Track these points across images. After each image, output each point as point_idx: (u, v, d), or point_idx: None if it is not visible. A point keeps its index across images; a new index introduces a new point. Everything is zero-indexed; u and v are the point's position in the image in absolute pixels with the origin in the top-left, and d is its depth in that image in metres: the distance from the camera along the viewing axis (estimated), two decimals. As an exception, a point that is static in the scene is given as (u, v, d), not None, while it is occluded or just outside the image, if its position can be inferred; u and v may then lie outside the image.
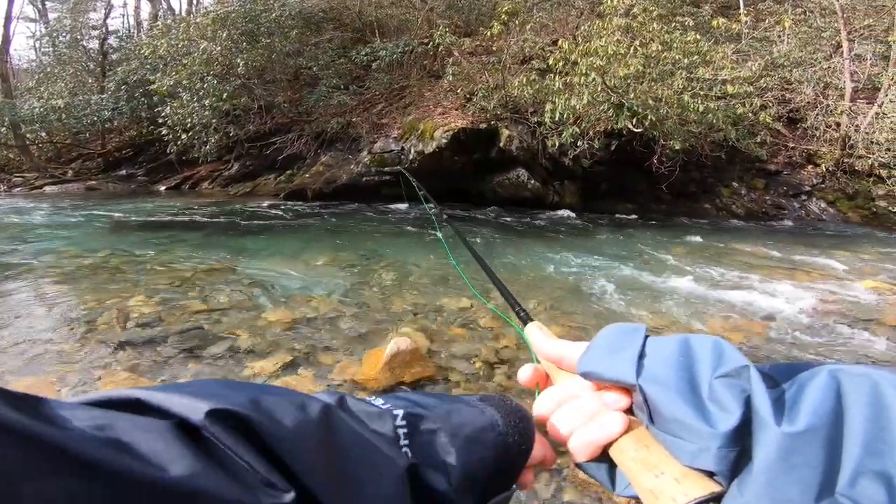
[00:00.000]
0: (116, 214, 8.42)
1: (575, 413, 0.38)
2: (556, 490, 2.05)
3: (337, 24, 13.34)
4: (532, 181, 9.51)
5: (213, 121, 10.61)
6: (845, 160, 9.24)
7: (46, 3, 21.39)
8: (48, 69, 14.84)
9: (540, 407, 0.42)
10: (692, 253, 6.16)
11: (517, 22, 9.48)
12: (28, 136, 13.71)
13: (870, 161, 8.87)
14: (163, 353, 3.10)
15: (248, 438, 0.27)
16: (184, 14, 17.51)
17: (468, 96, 9.91)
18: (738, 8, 11.33)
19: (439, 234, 1.59)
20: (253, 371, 2.90)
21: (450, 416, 0.38)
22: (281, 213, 8.92)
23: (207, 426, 0.26)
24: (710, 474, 0.31)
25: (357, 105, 11.37)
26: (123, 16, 23.26)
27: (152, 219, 8.16)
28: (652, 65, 7.70)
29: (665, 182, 8.91)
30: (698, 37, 7.84)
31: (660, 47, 7.52)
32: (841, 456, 0.28)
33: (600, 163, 9.09)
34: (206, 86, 10.33)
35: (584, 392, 0.40)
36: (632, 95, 7.67)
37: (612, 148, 8.94)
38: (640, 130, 7.82)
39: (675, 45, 7.68)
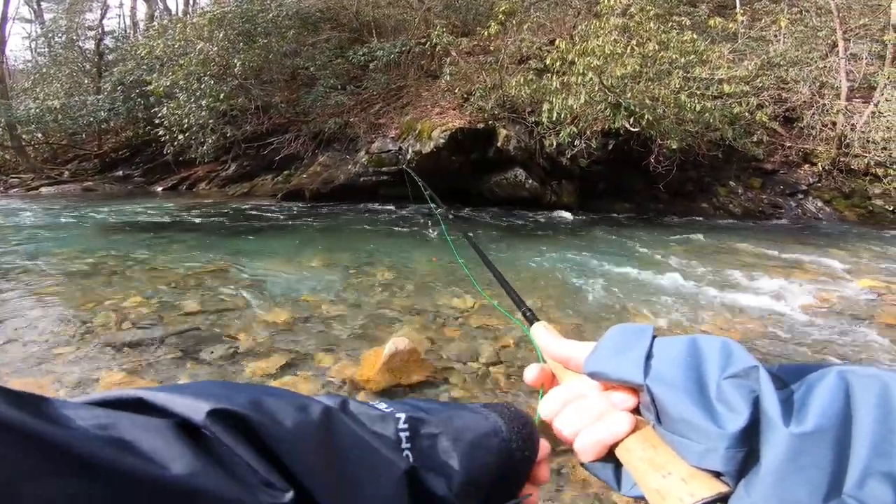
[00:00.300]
0: (113, 216, 8.39)
1: (581, 413, 0.38)
2: (556, 489, 2.06)
3: (334, 24, 13.33)
4: (530, 181, 9.52)
5: (210, 121, 10.58)
6: (841, 159, 9.28)
7: (42, 3, 21.32)
8: (44, 70, 14.77)
9: (546, 407, 0.42)
10: (689, 252, 6.17)
11: (514, 22, 9.49)
12: (24, 137, 13.66)
13: (866, 160, 8.91)
14: (160, 354, 3.09)
15: (249, 438, 0.27)
16: (180, 14, 17.46)
17: (466, 96, 9.91)
18: (735, 7, 11.36)
19: (446, 234, 1.60)
20: (250, 372, 2.90)
21: (452, 420, 0.38)
22: (278, 213, 8.91)
23: (209, 426, 0.27)
24: (717, 474, 0.31)
25: (354, 105, 11.36)
26: (119, 16, 23.20)
27: (149, 220, 8.14)
28: (649, 64, 7.72)
29: (662, 181, 8.93)
30: (695, 36, 7.86)
31: (657, 47, 7.54)
32: (849, 457, 0.28)
33: (598, 162, 9.10)
34: (202, 86, 10.30)
35: (590, 392, 0.40)
36: (629, 95, 7.68)
37: (610, 147, 8.96)
38: (637, 130, 7.84)
39: (671, 44, 7.70)
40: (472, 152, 9.53)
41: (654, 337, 0.37)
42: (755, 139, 9.18)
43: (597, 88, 7.66)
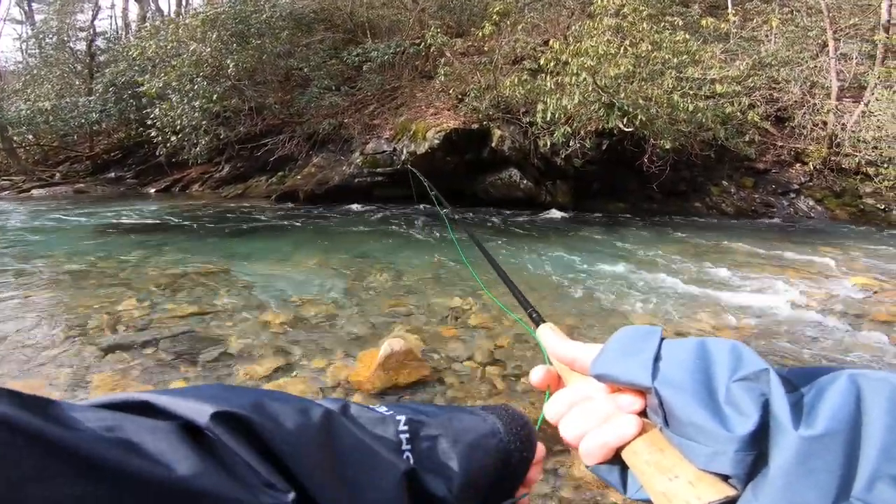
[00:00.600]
0: (105, 218, 8.33)
1: (588, 415, 0.38)
2: (553, 489, 2.06)
3: (328, 24, 13.30)
4: (524, 181, 9.54)
5: (203, 122, 10.53)
6: (832, 158, 9.37)
7: (33, 4, 21.13)
8: (35, 71, 14.62)
9: (552, 409, 0.41)
10: (683, 251, 6.21)
11: (508, 22, 9.50)
12: (15, 138, 13.52)
13: (856, 159, 8.99)
14: (154, 357, 3.07)
15: (251, 441, 0.28)
16: (172, 15, 17.37)
17: (460, 97, 9.92)
18: (727, 7, 11.45)
19: (452, 235, 1.60)
20: (246, 374, 2.88)
21: (451, 423, 0.39)
22: (272, 215, 8.88)
23: (212, 428, 0.27)
24: (725, 478, 0.31)
25: (349, 106, 11.33)
26: (111, 17, 23.00)
27: (141, 222, 8.09)
28: (642, 64, 7.75)
29: (656, 181, 8.98)
30: (687, 36, 7.91)
31: (650, 47, 7.58)
32: (858, 460, 0.28)
33: (592, 162, 9.13)
34: (195, 87, 10.24)
35: (597, 394, 0.39)
36: (622, 95, 7.71)
37: (604, 147, 8.99)
38: (630, 130, 7.87)
39: (664, 44, 7.74)
40: (467, 153, 9.53)
41: (661, 339, 0.37)
42: (747, 139, 9.25)
43: (590, 89, 7.69)
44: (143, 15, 17.76)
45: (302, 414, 0.31)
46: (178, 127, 10.49)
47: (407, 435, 0.36)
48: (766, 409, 0.30)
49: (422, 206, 9.20)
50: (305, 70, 11.81)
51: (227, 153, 11.61)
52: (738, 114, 8.61)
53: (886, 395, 0.29)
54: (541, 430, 0.45)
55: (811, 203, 9.50)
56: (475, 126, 9.33)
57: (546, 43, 9.30)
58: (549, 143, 8.50)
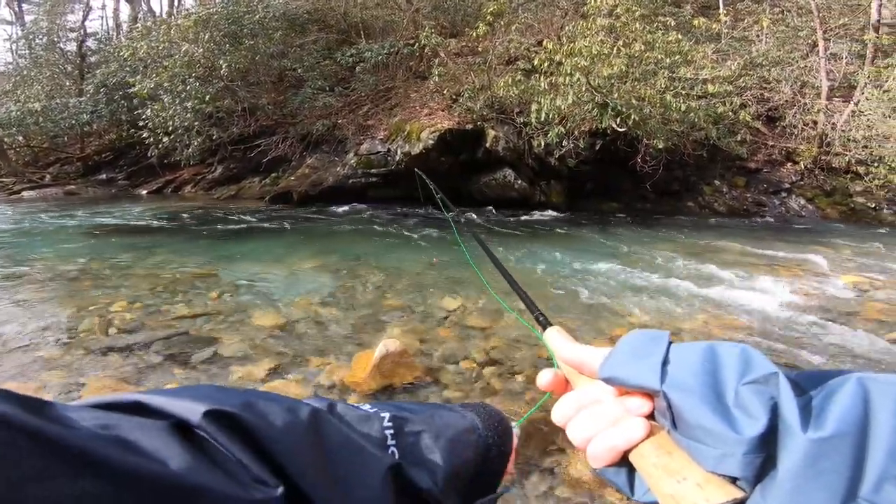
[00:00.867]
0: (97, 219, 8.26)
1: (596, 418, 0.39)
2: (549, 488, 2.06)
3: (322, 25, 13.26)
4: (519, 181, 9.55)
5: (196, 123, 10.47)
6: (823, 158, 9.46)
7: (23, 5, 20.93)
8: (25, 72, 14.49)
9: (559, 411, 0.42)
10: (676, 251, 6.24)
11: (502, 23, 9.53)
12: (5, 140, 13.38)
13: (847, 158, 9.09)
14: (147, 359, 3.05)
15: (242, 438, 0.29)
16: (164, 16, 17.25)
17: (454, 97, 9.92)
18: (718, 8, 11.53)
19: (458, 238, 1.61)
20: (240, 376, 2.87)
21: (434, 419, 0.40)
22: (266, 216, 8.84)
23: (204, 426, 0.28)
24: (733, 480, 0.32)
25: (343, 107, 11.31)
26: (102, 18, 22.83)
27: (134, 223, 8.02)
28: (635, 65, 7.79)
29: (649, 181, 9.02)
30: (680, 37, 7.96)
31: (642, 47, 7.62)
32: (866, 462, 0.28)
33: (585, 162, 9.17)
34: (188, 88, 10.18)
35: (605, 397, 0.40)
36: (615, 95, 7.75)
37: (597, 147, 9.03)
38: (623, 130, 7.91)
39: (657, 44, 7.78)
40: (461, 153, 9.54)
41: (670, 343, 0.37)
42: (739, 138, 9.32)
43: (584, 89, 7.72)
44: (134, 15, 17.64)
45: (290, 412, 0.32)
46: (170, 128, 10.42)
47: (391, 431, 0.37)
48: (774, 411, 0.31)
49: (420, 210, 9.20)
50: (299, 71, 11.77)
51: (220, 154, 11.55)
52: (730, 113, 8.68)
53: (894, 398, 0.29)
54: (526, 427, 0.46)
55: (802, 202, 9.58)
56: (469, 126, 9.34)
57: (540, 43, 9.32)
58: (543, 144, 8.53)
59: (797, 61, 10.29)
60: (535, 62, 8.13)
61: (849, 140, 9.09)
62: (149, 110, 10.47)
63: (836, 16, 10.67)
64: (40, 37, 14.82)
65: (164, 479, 0.24)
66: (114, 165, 13.75)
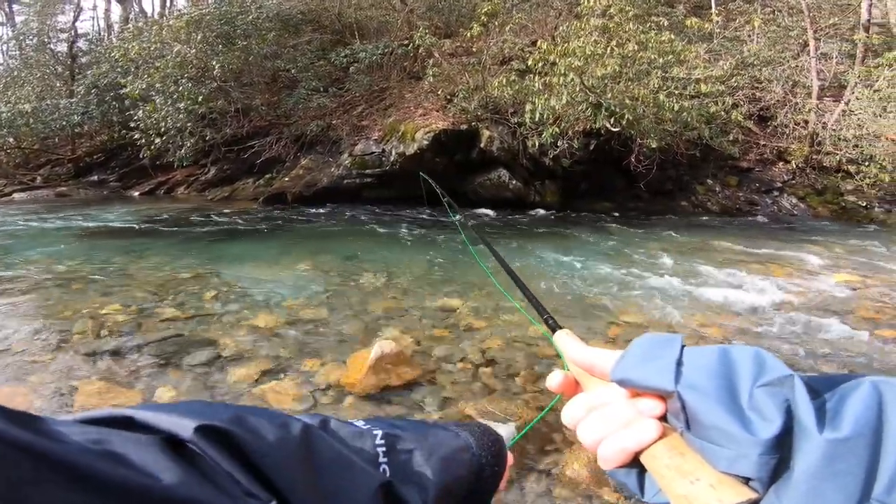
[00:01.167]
0: (88, 221, 8.18)
1: (607, 419, 0.39)
2: (546, 488, 2.06)
3: (316, 25, 13.21)
4: (513, 181, 9.57)
5: (189, 124, 10.40)
6: (814, 157, 9.54)
7: (14, 5, 20.73)
8: (15, 73, 14.35)
9: (570, 413, 0.42)
10: (669, 250, 6.27)
11: (497, 23, 9.53)
12: (-5, 141, 13.23)
13: (837, 157, 9.17)
14: (140, 362, 3.02)
15: (233, 453, 0.29)
16: (156, 17, 17.14)
17: (449, 97, 9.92)
18: (710, 7, 11.61)
19: (466, 241, 1.61)
20: (235, 378, 2.85)
21: (426, 437, 0.41)
22: (260, 217, 8.80)
23: (195, 441, 0.28)
24: (746, 480, 0.32)
25: (337, 107, 11.27)
26: (93, 19, 22.62)
27: (126, 225, 7.96)
28: (628, 65, 7.83)
29: (643, 180, 9.06)
30: (672, 37, 8.00)
31: (636, 47, 7.65)
32: (879, 463, 0.29)
33: (580, 162, 9.19)
34: (180, 89, 10.11)
35: (616, 399, 0.40)
36: (609, 95, 7.78)
37: (591, 147, 9.06)
38: (617, 130, 7.94)
39: (650, 44, 7.82)
40: (456, 153, 9.54)
41: (682, 346, 0.38)
42: (731, 138, 9.39)
43: (578, 89, 7.74)
44: (125, 16, 17.51)
45: (282, 428, 0.32)
46: (163, 129, 10.35)
47: (384, 448, 0.38)
48: (789, 413, 0.31)
49: (415, 210, 9.19)
50: (293, 71, 11.73)
51: (213, 155, 11.48)
52: (722, 113, 8.73)
53: None
54: (523, 440, 0.46)
55: (794, 201, 9.66)
56: (464, 127, 9.34)
57: (534, 43, 9.34)
58: (537, 144, 8.54)
59: (788, 61, 10.38)
60: (530, 62, 8.14)
61: (839, 139, 9.18)
62: (141, 111, 10.39)
63: (826, 15, 10.77)
64: (31, 38, 14.68)
65: (156, 493, 0.24)
66: (105, 167, 13.62)
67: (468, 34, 9.18)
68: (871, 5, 9.68)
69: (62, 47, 14.95)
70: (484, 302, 4.12)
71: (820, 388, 0.32)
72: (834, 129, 9.29)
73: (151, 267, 5.20)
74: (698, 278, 4.96)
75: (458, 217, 1.71)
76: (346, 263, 5.47)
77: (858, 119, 8.92)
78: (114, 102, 12.16)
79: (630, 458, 0.37)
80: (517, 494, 2.03)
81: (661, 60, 7.96)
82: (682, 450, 0.35)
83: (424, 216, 8.81)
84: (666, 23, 8.70)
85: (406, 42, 11.46)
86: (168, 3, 19.48)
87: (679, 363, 0.36)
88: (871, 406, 0.30)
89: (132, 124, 10.65)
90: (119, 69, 11.62)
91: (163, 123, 10.27)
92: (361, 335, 3.47)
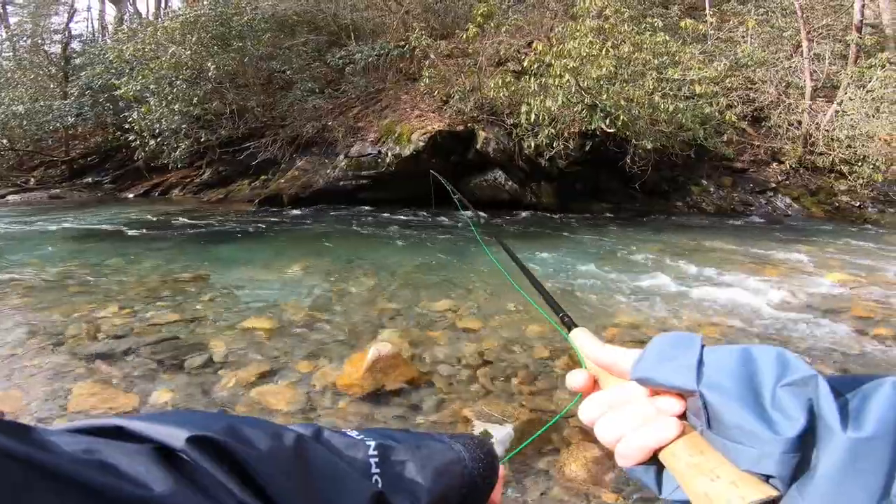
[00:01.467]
0: (83, 224, 8.13)
1: (627, 418, 0.39)
2: (544, 488, 2.07)
3: (311, 27, 13.19)
4: (509, 182, 9.58)
5: (184, 126, 10.36)
6: (807, 157, 9.60)
7: (7, 7, 20.60)
8: (8, 74, 14.27)
9: (588, 411, 0.43)
10: (664, 250, 6.30)
11: (492, 24, 9.56)
12: (-11, 143, 13.16)
13: (831, 158, 9.23)
14: (136, 365, 3.00)
15: (225, 463, 0.29)
16: (151, 18, 17.07)
17: (445, 99, 9.93)
18: (705, 9, 11.67)
19: (480, 240, 1.62)
20: (231, 381, 2.84)
21: (419, 449, 0.41)
22: (256, 219, 8.77)
23: (188, 451, 0.28)
24: (766, 478, 0.32)
25: (333, 109, 11.26)
26: (87, 20, 22.52)
27: (120, 227, 7.91)
28: (623, 66, 7.86)
29: (638, 181, 9.09)
30: (667, 38, 8.04)
31: (631, 48, 7.69)
32: None
33: (575, 163, 9.22)
34: (175, 90, 10.07)
35: (636, 397, 0.41)
36: (604, 96, 7.81)
37: (587, 149, 9.08)
38: (612, 131, 7.97)
39: (645, 46, 7.86)
40: (452, 155, 9.54)
41: (702, 345, 0.38)
42: (725, 139, 9.44)
43: (573, 90, 7.76)
44: (120, 17, 17.43)
45: (275, 438, 0.33)
46: (157, 130, 10.31)
47: (376, 458, 0.38)
48: (812, 412, 0.32)
49: (411, 212, 9.18)
50: (288, 73, 11.71)
51: (209, 157, 11.44)
52: (717, 114, 8.78)
53: None
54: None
55: (788, 201, 9.72)
56: (460, 128, 9.35)
57: (530, 45, 9.37)
58: (533, 145, 8.56)
59: (782, 62, 10.45)
60: (525, 64, 8.16)
61: (832, 140, 9.24)
62: (135, 113, 10.34)
63: (819, 16, 10.85)
64: (24, 39, 14.62)
65: (148, 502, 0.23)
66: (99, 169, 13.56)
67: (464, 35, 9.20)
68: (863, 6, 9.76)
69: (56, 48, 14.89)
70: (480, 303, 4.13)
71: (841, 388, 0.32)
72: (827, 130, 9.35)
73: (146, 269, 5.17)
74: (693, 279, 4.98)
75: (469, 213, 1.73)
76: (342, 265, 5.46)
77: (851, 119, 8.98)
78: (108, 104, 12.11)
79: (649, 456, 0.38)
80: (516, 494, 2.03)
81: (655, 62, 7.99)
82: (702, 448, 0.35)
83: (420, 218, 8.82)
84: (661, 24, 8.74)
85: (402, 43, 11.47)
86: (163, 4, 19.42)
87: (700, 363, 0.37)
88: (894, 406, 0.30)
89: (126, 126, 10.60)
90: (113, 70, 11.57)
91: (157, 125, 10.23)
92: (358, 337, 3.47)
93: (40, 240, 6.89)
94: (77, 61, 14.22)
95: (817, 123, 9.54)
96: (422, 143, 9.16)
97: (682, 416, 0.38)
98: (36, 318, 3.73)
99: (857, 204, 9.21)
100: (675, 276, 4.99)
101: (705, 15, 11.25)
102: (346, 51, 11.96)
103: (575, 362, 0.50)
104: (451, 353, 3.22)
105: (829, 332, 3.65)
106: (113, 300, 4.10)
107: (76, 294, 4.30)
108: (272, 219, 8.73)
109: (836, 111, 9.31)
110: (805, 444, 0.31)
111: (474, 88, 9.43)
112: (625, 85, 7.92)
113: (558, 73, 7.54)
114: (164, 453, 0.27)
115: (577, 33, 7.86)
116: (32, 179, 13.11)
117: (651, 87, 7.77)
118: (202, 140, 10.73)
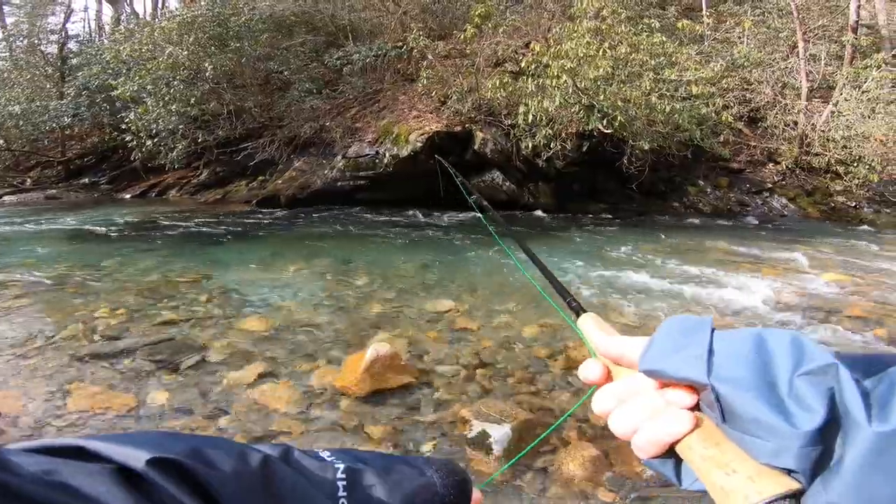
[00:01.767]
0: (79, 224, 8.11)
1: (639, 411, 0.38)
2: (542, 487, 2.07)
3: (309, 27, 13.18)
4: (507, 183, 9.59)
5: (181, 126, 10.33)
6: (803, 158, 9.64)
7: (4, 7, 20.53)
8: (5, 75, 14.22)
9: (600, 403, 0.41)
10: (661, 250, 6.32)
11: (490, 25, 9.56)
12: (-16, 144, 13.11)
13: (826, 158, 9.27)
14: (133, 366, 3.00)
15: (188, 485, 0.29)
16: (148, 18, 17.04)
17: (442, 99, 9.93)
18: (702, 10, 11.71)
19: (495, 235, 1.62)
20: (229, 381, 2.84)
21: (389, 473, 0.40)
22: (253, 219, 8.76)
23: (148, 472, 0.28)
24: (787, 472, 0.31)
25: (330, 109, 11.25)
26: (84, 20, 22.44)
27: (117, 228, 7.89)
28: (621, 66, 7.88)
29: (635, 182, 9.12)
30: (664, 39, 8.06)
31: (628, 49, 7.71)
32: None
33: (573, 164, 9.24)
34: (172, 91, 10.05)
35: (646, 389, 0.39)
36: (602, 97, 7.82)
37: (584, 149, 9.10)
38: (610, 132, 7.98)
39: (642, 46, 7.88)
40: (450, 155, 9.53)
41: (713, 330, 0.36)
42: (722, 139, 9.47)
43: (571, 91, 7.78)
44: (117, 17, 17.38)
45: (240, 459, 0.32)
46: (154, 131, 10.27)
47: (344, 482, 0.37)
48: (832, 403, 0.30)
49: (409, 212, 9.18)
50: (286, 73, 11.69)
51: (206, 157, 11.41)
52: (713, 115, 8.81)
53: None
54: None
55: (784, 202, 9.75)
56: (458, 129, 9.35)
57: (527, 45, 9.38)
58: (530, 146, 8.57)
59: (778, 63, 10.49)
60: (523, 64, 8.18)
61: (828, 140, 9.28)
62: (132, 113, 10.31)
63: (815, 17, 10.90)
64: (21, 39, 14.56)
65: None
66: (96, 169, 13.51)
67: (462, 36, 9.20)
68: (859, 7, 9.81)
69: (52, 49, 14.84)
70: (478, 304, 4.14)
71: (861, 371, 0.31)
72: (823, 131, 9.40)
73: (144, 270, 5.16)
74: (690, 278, 5.00)
75: (474, 196, 1.72)
76: (340, 266, 5.46)
77: (847, 120, 9.03)
78: (105, 104, 12.07)
79: (665, 450, 0.36)
80: (514, 493, 2.03)
81: (652, 62, 8.02)
82: (717, 439, 0.34)
83: (419, 218, 8.83)
84: (658, 25, 8.77)
85: (400, 44, 11.47)
86: (160, 5, 19.38)
87: (710, 352, 0.35)
88: None
89: (123, 126, 10.56)
90: (110, 71, 11.54)
91: (154, 125, 10.20)
92: (356, 338, 3.47)
93: (37, 240, 6.87)
94: (74, 61, 14.17)
95: (813, 124, 9.58)
96: (419, 144, 9.17)
97: (697, 407, 0.36)
98: (33, 319, 3.72)
99: (853, 204, 9.26)
100: (672, 276, 5.01)
101: (702, 16, 11.29)
102: (344, 51, 11.95)
103: (585, 351, 0.48)
104: (449, 354, 3.22)
105: (824, 332, 3.67)
106: (110, 301, 4.10)
107: (73, 295, 4.29)
108: (269, 220, 8.72)
109: (832, 112, 9.35)
110: (825, 436, 0.30)
111: (472, 89, 9.44)
112: (622, 86, 7.94)
113: (556, 73, 7.56)
114: (125, 475, 0.27)
115: (575, 34, 7.87)
116: (29, 180, 13.06)
117: (648, 87, 7.79)
118: (199, 140, 10.70)
